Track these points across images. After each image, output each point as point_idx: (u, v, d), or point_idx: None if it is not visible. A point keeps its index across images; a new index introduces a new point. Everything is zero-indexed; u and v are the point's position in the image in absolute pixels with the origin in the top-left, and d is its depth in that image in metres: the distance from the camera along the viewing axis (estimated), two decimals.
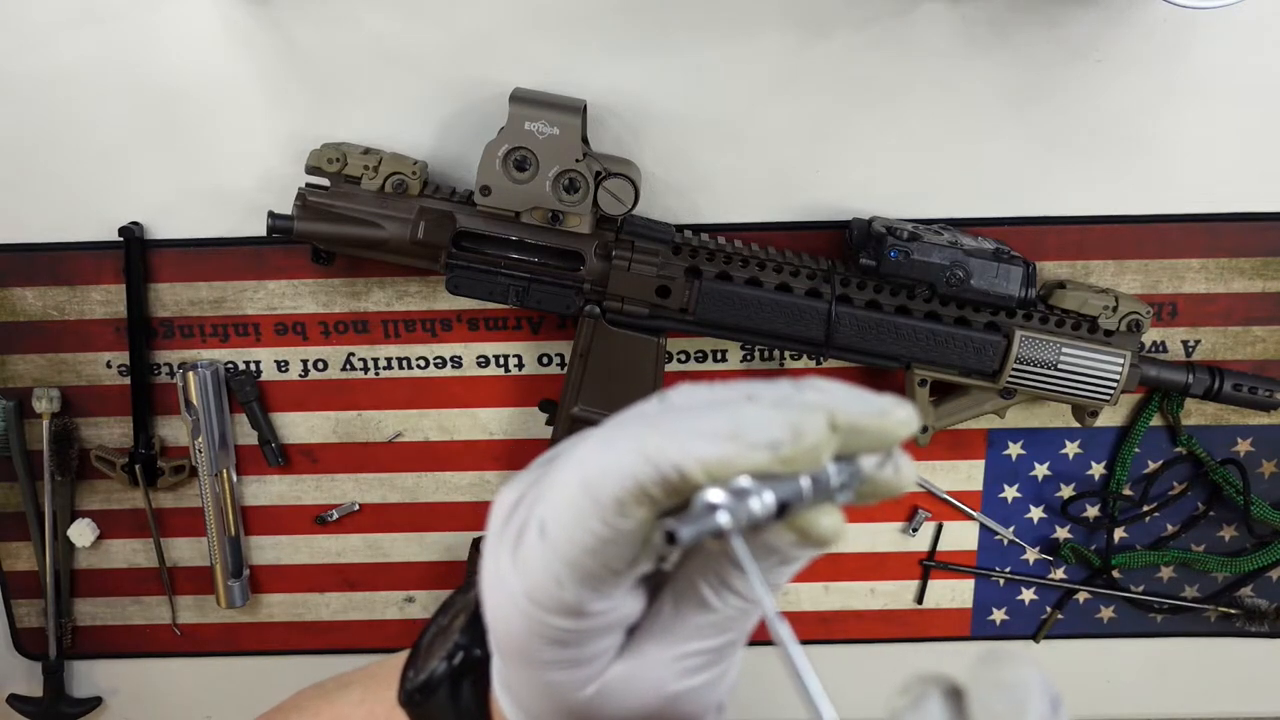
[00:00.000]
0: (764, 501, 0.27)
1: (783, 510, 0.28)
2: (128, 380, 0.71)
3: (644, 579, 0.32)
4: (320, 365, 0.72)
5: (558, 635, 0.31)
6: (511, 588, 0.30)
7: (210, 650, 0.79)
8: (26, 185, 0.67)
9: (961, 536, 0.76)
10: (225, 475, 0.73)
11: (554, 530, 0.29)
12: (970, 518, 0.75)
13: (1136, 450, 0.73)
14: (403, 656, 0.40)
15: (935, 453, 0.73)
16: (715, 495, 0.27)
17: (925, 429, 0.68)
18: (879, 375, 0.72)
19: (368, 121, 0.66)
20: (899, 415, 0.29)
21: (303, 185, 0.64)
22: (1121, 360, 0.65)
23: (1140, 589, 0.76)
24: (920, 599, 0.78)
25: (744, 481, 0.27)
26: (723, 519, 0.27)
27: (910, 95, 0.66)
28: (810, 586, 0.77)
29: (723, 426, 0.28)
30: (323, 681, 0.45)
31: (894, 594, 0.78)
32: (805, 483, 0.28)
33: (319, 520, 0.75)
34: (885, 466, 0.30)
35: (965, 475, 0.74)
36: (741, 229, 0.68)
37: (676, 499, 0.28)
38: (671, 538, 0.26)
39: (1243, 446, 0.73)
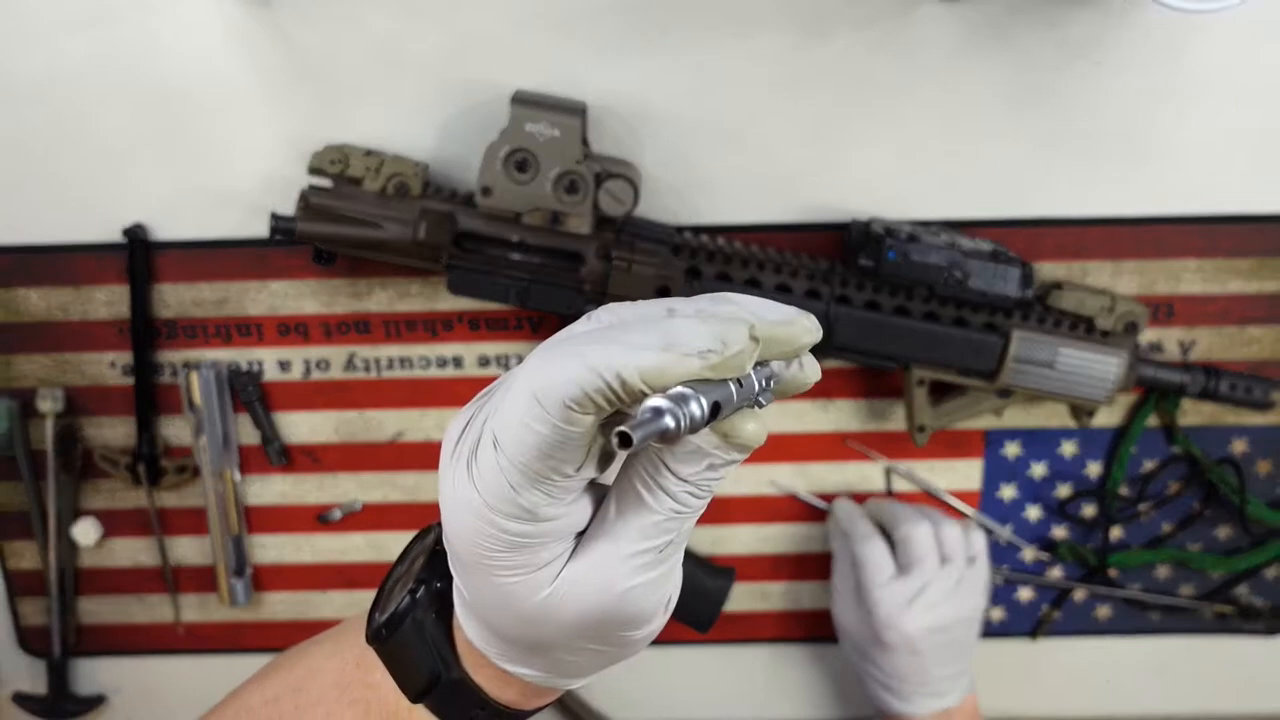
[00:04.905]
0: (701, 404, 0.30)
1: (715, 412, 0.31)
2: (131, 380, 0.71)
3: (590, 491, 0.35)
4: (322, 365, 0.72)
5: (513, 541, 0.34)
6: (469, 498, 0.33)
7: (213, 648, 0.79)
8: (30, 187, 0.68)
9: None
10: (228, 475, 0.73)
11: (506, 439, 0.32)
12: (968, 517, 0.76)
13: (1133, 450, 0.73)
14: (367, 610, 0.43)
15: (933, 452, 0.74)
16: (658, 400, 0.30)
17: (923, 428, 0.69)
18: (878, 375, 0.72)
19: (369, 123, 0.66)
20: (804, 323, 0.34)
21: (305, 186, 0.64)
22: (1118, 360, 0.66)
23: (1137, 587, 0.77)
24: None
25: (679, 388, 0.30)
26: (669, 421, 0.29)
27: (909, 96, 0.66)
28: (811, 586, 0.78)
29: (658, 339, 0.31)
30: (298, 644, 0.47)
31: None
32: (732, 387, 0.32)
33: (322, 519, 0.75)
34: (792, 365, 0.35)
35: (963, 474, 0.75)
36: (741, 230, 0.69)
37: (617, 404, 0.31)
38: (626, 440, 0.29)
39: (1239, 446, 0.74)
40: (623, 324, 0.33)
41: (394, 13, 0.64)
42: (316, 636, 0.47)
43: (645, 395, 0.30)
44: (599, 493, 0.36)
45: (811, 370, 0.35)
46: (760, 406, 0.34)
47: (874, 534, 0.70)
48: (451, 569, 0.38)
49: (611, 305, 0.35)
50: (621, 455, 0.34)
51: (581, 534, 0.36)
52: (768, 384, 0.34)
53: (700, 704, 0.81)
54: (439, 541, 0.42)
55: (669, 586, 0.37)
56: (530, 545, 0.34)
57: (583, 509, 0.35)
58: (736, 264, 0.65)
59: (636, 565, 0.35)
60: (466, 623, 0.39)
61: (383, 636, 0.40)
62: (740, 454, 0.34)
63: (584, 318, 0.35)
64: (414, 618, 0.40)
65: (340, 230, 0.63)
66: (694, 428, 0.30)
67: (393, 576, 0.43)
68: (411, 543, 0.44)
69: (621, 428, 0.29)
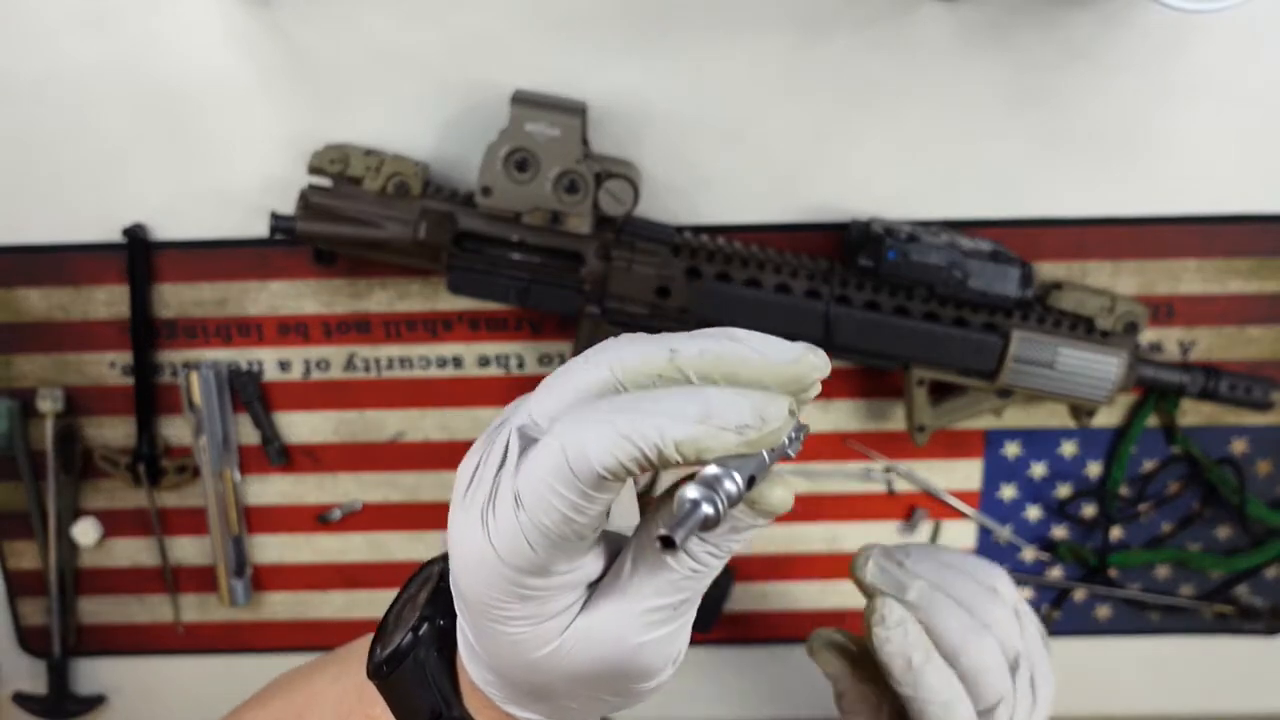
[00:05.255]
0: (736, 480, 0.30)
1: (750, 484, 0.31)
2: (131, 380, 0.71)
3: (601, 540, 0.35)
4: (322, 365, 0.72)
5: (526, 593, 0.33)
6: (482, 550, 0.33)
7: (213, 648, 0.79)
8: (31, 187, 0.68)
9: (959, 535, 0.76)
10: (228, 475, 0.73)
11: (530, 500, 0.32)
12: (968, 516, 0.76)
13: (1133, 450, 0.73)
14: (370, 635, 0.42)
15: (933, 452, 0.74)
16: (694, 491, 0.29)
17: (923, 428, 0.69)
18: (878, 375, 0.72)
19: (369, 123, 0.66)
20: (812, 360, 0.33)
21: (305, 186, 0.64)
22: (1118, 360, 0.66)
23: (1137, 587, 0.77)
24: None
25: (713, 469, 0.30)
26: (707, 509, 0.29)
27: (909, 96, 0.66)
28: (808, 586, 0.78)
29: (695, 409, 0.30)
30: (299, 665, 0.47)
31: None
32: (765, 455, 0.31)
33: (322, 519, 0.75)
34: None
35: (963, 474, 0.75)
36: (741, 230, 0.69)
37: (648, 474, 0.32)
38: (669, 543, 0.29)
39: (1238, 446, 0.74)
40: (653, 391, 0.32)
41: (394, 13, 0.64)
42: (320, 659, 0.47)
43: (679, 464, 0.30)
44: (610, 540, 0.36)
45: (813, 394, 0.35)
46: (788, 458, 0.34)
47: (958, 692, 0.51)
48: (458, 611, 0.38)
49: (608, 342, 0.34)
50: (626, 496, 0.34)
51: (595, 583, 0.35)
52: (797, 436, 0.33)
53: (701, 704, 0.81)
54: (443, 578, 0.41)
55: (680, 641, 0.37)
56: (541, 596, 0.34)
57: (595, 560, 0.35)
58: (736, 264, 0.65)
59: (650, 621, 0.35)
60: (470, 665, 0.38)
61: (384, 673, 0.40)
62: (766, 519, 0.34)
63: (581, 358, 0.34)
64: (416, 656, 0.39)
65: (340, 230, 0.63)
66: (732, 505, 0.30)
67: (395, 608, 0.42)
68: (414, 575, 0.43)
69: (662, 531, 0.29)
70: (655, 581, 0.34)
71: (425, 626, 0.40)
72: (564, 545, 0.32)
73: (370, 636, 0.43)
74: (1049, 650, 0.55)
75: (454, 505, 0.35)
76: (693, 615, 0.37)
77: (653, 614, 0.34)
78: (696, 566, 0.34)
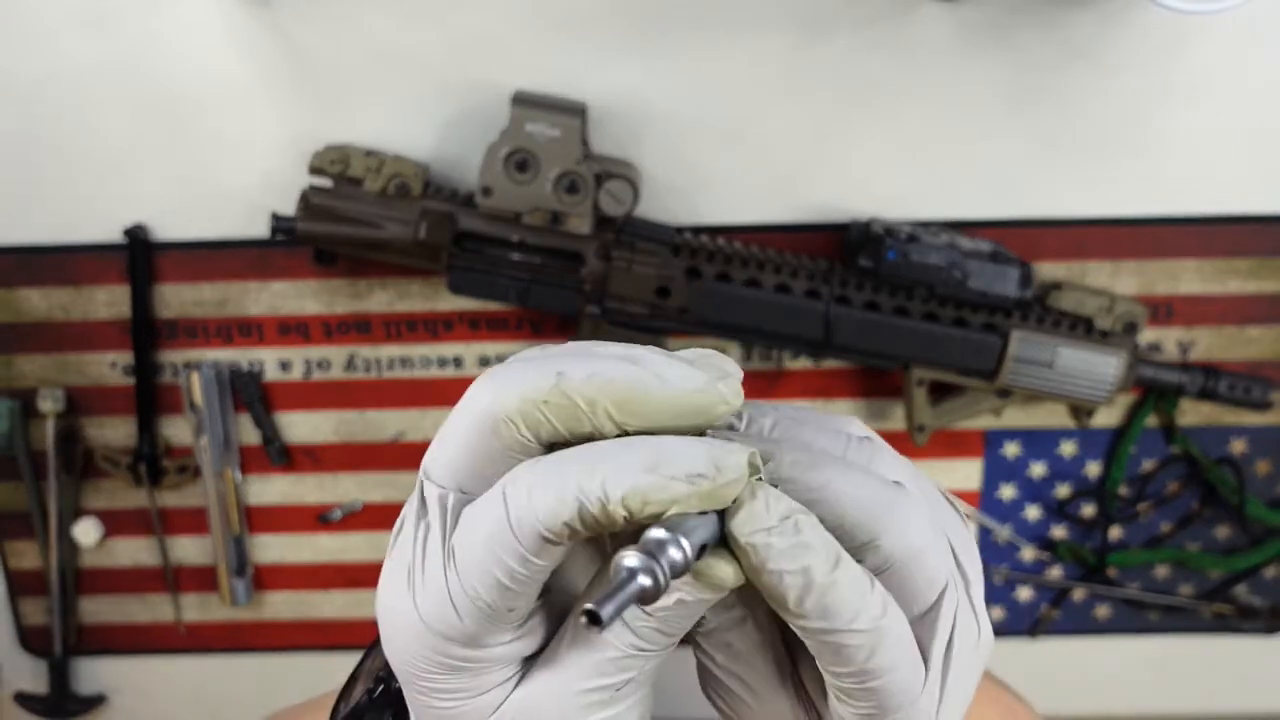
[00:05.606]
0: (684, 547, 0.26)
1: (701, 554, 0.27)
2: (132, 380, 0.72)
3: (545, 608, 0.31)
4: (323, 365, 0.72)
5: (455, 664, 0.30)
6: (406, 615, 0.30)
7: (214, 648, 0.79)
8: (32, 187, 0.68)
9: None
10: (229, 474, 0.74)
11: (464, 560, 0.28)
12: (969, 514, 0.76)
13: (1132, 450, 0.73)
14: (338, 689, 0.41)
15: (933, 451, 0.74)
16: (631, 559, 0.25)
17: (923, 428, 0.69)
18: (878, 375, 0.72)
19: (370, 124, 0.67)
20: (720, 392, 0.29)
21: (305, 186, 0.64)
22: (1117, 360, 0.66)
23: (1136, 587, 0.77)
24: None
25: (658, 533, 0.26)
26: (644, 581, 0.24)
27: (909, 96, 0.66)
28: None
29: (643, 457, 0.27)
30: (284, 709, 0.46)
31: None
32: (716, 520, 0.27)
33: (322, 519, 0.75)
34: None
35: (963, 474, 0.75)
36: (741, 230, 0.69)
37: (596, 531, 0.27)
38: (595, 619, 0.24)
39: (1237, 446, 0.74)
40: (607, 440, 0.28)
41: (394, 13, 0.64)
42: (304, 706, 0.46)
43: (627, 522, 0.27)
44: (554, 607, 0.32)
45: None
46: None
47: (885, 605, 0.30)
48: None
49: (507, 362, 0.30)
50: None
51: (537, 654, 0.32)
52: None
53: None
54: None
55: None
56: (472, 669, 0.30)
57: (534, 631, 0.31)
58: (736, 264, 0.65)
59: (589, 702, 0.31)
60: None
61: None
62: (713, 595, 0.29)
63: (475, 383, 0.30)
64: (371, 718, 0.38)
65: (341, 230, 0.63)
66: (677, 574, 0.25)
67: (367, 661, 0.41)
68: None
69: (588, 605, 0.24)
70: (593, 657, 0.30)
71: (380, 688, 0.38)
72: (494, 615, 0.29)
73: (337, 693, 0.41)
74: (957, 507, 0.35)
75: (386, 557, 0.31)
76: (646, 692, 0.32)
77: (591, 694, 0.30)
78: (642, 645, 0.30)
